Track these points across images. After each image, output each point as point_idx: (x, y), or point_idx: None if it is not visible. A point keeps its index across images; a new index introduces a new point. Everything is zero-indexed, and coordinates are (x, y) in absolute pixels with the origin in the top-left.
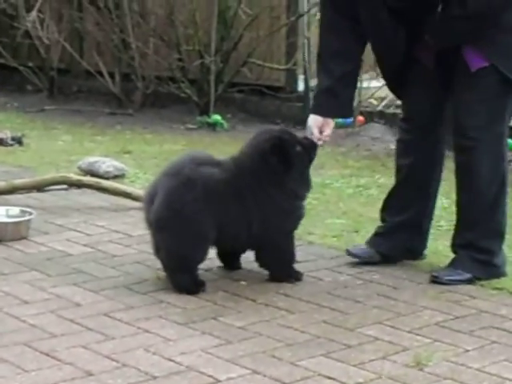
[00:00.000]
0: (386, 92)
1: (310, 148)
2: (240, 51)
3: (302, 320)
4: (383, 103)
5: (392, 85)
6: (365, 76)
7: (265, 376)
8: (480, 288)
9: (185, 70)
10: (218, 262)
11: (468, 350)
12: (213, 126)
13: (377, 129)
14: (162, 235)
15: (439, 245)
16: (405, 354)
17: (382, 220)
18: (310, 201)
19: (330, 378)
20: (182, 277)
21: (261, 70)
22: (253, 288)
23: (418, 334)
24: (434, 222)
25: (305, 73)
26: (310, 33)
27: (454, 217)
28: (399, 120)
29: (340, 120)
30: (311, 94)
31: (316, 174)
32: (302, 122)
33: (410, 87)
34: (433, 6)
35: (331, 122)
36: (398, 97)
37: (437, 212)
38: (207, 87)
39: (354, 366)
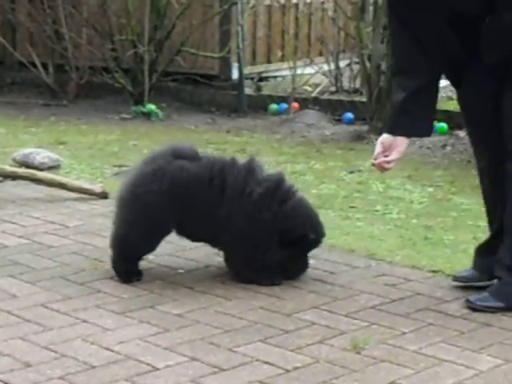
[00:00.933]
0: (320, 78)
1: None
2: (173, 40)
3: (239, 306)
4: (317, 90)
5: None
6: (299, 63)
7: (203, 363)
8: (416, 271)
9: (118, 59)
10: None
11: (405, 333)
12: (147, 116)
13: (311, 115)
14: (118, 216)
15: (375, 229)
16: (342, 337)
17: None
18: None
19: (267, 363)
20: (121, 263)
21: (195, 58)
22: (190, 276)
23: (354, 318)
24: (369, 207)
25: (239, 61)
26: (244, 20)
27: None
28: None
29: (274, 106)
30: (246, 82)
31: None
32: (236, 110)
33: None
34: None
35: (402, 145)
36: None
37: (372, 196)
38: (141, 77)
39: (292, 350)
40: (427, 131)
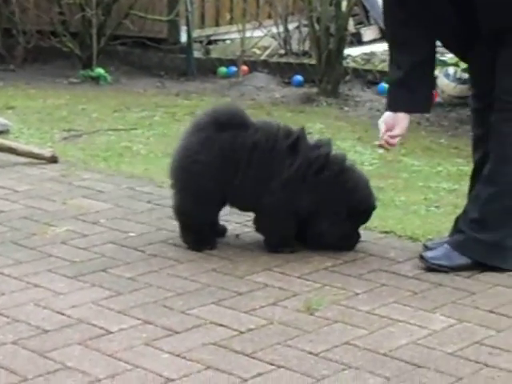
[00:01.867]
0: (269, 41)
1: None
2: (121, 3)
3: (191, 269)
4: (266, 52)
5: (459, 56)
6: (248, 26)
7: (156, 326)
8: (368, 232)
9: (66, 23)
10: (104, 215)
11: (358, 294)
12: (96, 80)
13: (261, 78)
14: (172, 187)
15: None
16: (295, 299)
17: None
18: None
19: (221, 325)
20: (185, 232)
21: (143, 21)
22: (141, 239)
23: (307, 280)
24: None
25: (187, 24)
26: None
27: None
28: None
29: (223, 69)
30: (194, 45)
31: None
32: (185, 74)
33: (471, 62)
34: None
35: (403, 121)
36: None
37: None
38: (89, 40)
39: (245, 312)
40: (427, 106)
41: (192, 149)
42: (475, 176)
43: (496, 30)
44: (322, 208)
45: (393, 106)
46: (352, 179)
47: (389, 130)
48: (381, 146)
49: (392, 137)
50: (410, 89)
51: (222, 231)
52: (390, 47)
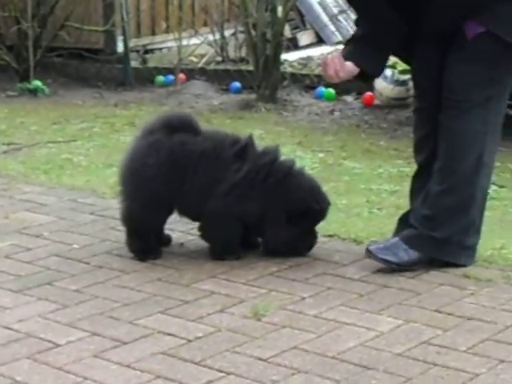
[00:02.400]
0: (205, 49)
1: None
2: (57, 15)
3: (137, 279)
4: (203, 60)
5: (402, 58)
6: (184, 34)
7: (104, 337)
8: None
9: (2, 36)
10: (47, 228)
11: (304, 298)
12: (34, 92)
13: (198, 86)
14: (121, 192)
15: None
16: (242, 305)
17: (410, 205)
18: None
19: (169, 334)
20: (131, 239)
21: (79, 33)
22: (85, 250)
23: (253, 286)
24: None
25: (123, 34)
26: None
27: None
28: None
29: (161, 78)
30: (131, 55)
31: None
32: (123, 84)
33: (415, 62)
34: None
35: (352, 68)
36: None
37: None
38: (26, 53)
39: (193, 320)
40: (378, 70)
41: (141, 152)
42: (418, 176)
43: (443, 31)
44: (271, 214)
45: (347, 56)
46: (299, 184)
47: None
48: (324, 64)
49: (339, 65)
50: (367, 46)
51: (167, 240)
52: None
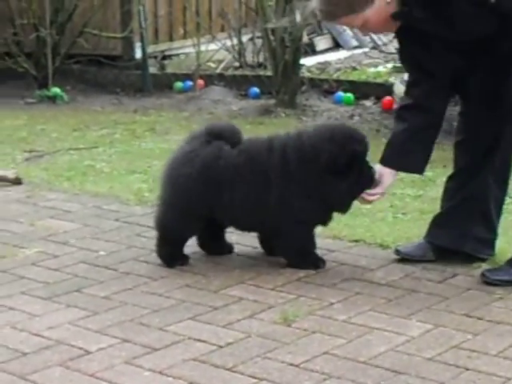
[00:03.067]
0: (223, 54)
1: (366, 179)
2: (75, 22)
3: (165, 286)
4: (222, 65)
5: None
6: (202, 39)
7: (135, 344)
8: (338, 241)
9: (21, 43)
10: (72, 235)
11: (333, 303)
12: (53, 99)
13: (217, 91)
14: (159, 197)
15: None
16: (271, 311)
17: (441, 207)
18: (160, 167)
19: (200, 340)
20: (162, 245)
21: (97, 39)
22: (112, 257)
23: (281, 291)
24: None
25: (142, 40)
26: None
27: None
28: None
29: (179, 84)
30: (149, 61)
31: (162, 140)
32: (142, 90)
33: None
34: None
35: (388, 178)
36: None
37: None
38: (44, 60)
39: (223, 327)
40: (421, 168)
41: (179, 160)
42: (454, 178)
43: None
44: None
45: (385, 161)
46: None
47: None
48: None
49: (371, 194)
50: (408, 148)
51: (229, 248)
52: (403, 105)
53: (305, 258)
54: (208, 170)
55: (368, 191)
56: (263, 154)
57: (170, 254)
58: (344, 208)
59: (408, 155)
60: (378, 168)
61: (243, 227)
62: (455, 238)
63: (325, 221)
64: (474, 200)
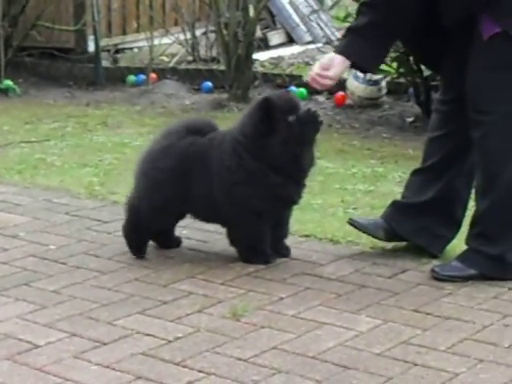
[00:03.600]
0: (177, 48)
1: (306, 122)
2: (28, 14)
3: (114, 279)
4: (175, 59)
5: (425, 59)
6: (155, 33)
7: (83, 338)
8: (289, 236)
9: None
10: (22, 228)
11: (282, 298)
12: (5, 92)
13: (170, 85)
14: (134, 185)
15: None
16: (220, 305)
17: (402, 197)
18: (111, 160)
19: (148, 334)
20: (131, 231)
21: (50, 32)
22: (62, 251)
23: (231, 286)
24: None
25: (95, 33)
26: None
27: None
28: (437, 92)
29: (132, 78)
30: (102, 55)
31: (113, 134)
32: (94, 83)
33: (442, 59)
34: None
35: (339, 66)
36: (435, 71)
37: None
38: None
39: (172, 321)
40: (372, 67)
41: (154, 155)
42: (420, 173)
43: (460, 23)
44: None
45: (341, 50)
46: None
47: (323, 69)
48: (309, 83)
49: (323, 76)
50: (365, 40)
51: (177, 242)
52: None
53: (255, 253)
54: (182, 162)
55: (320, 73)
56: (216, 144)
57: (139, 243)
58: (286, 166)
59: (360, 48)
60: (332, 55)
61: (203, 219)
62: (413, 230)
63: (276, 208)
64: (440, 199)
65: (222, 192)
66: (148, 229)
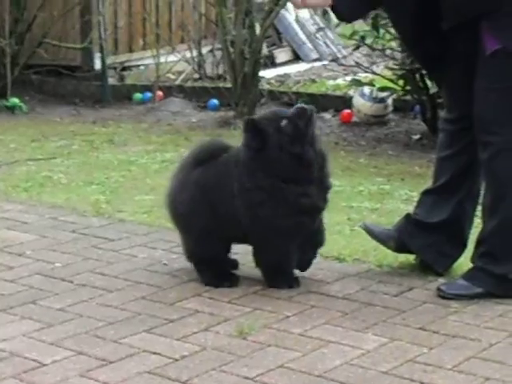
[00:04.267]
0: (183, 66)
1: (296, 120)
2: (35, 32)
3: (120, 298)
4: (181, 77)
5: (430, 72)
6: (161, 51)
7: (90, 356)
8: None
9: None
10: (29, 246)
11: (288, 316)
12: (11, 110)
13: (176, 103)
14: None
15: None
16: (227, 324)
17: (415, 213)
18: (118, 178)
19: (155, 353)
20: (199, 271)
21: (57, 50)
22: (68, 269)
23: (237, 304)
24: None
25: (101, 51)
26: (105, 10)
27: None
28: (443, 110)
29: (139, 95)
30: (109, 72)
31: (120, 152)
32: (101, 101)
33: (448, 74)
34: None
35: None
36: (438, 86)
37: None
38: (3, 70)
39: (178, 339)
40: (344, 13)
41: (175, 189)
42: (432, 193)
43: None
44: None
45: None
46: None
47: None
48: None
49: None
50: None
51: (234, 265)
52: None
53: (280, 277)
54: (198, 191)
55: None
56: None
57: (212, 277)
58: (293, 168)
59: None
60: None
61: (233, 240)
62: (422, 246)
63: (301, 222)
64: (451, 221)
65: (247, 215)
66: (214, 258)
